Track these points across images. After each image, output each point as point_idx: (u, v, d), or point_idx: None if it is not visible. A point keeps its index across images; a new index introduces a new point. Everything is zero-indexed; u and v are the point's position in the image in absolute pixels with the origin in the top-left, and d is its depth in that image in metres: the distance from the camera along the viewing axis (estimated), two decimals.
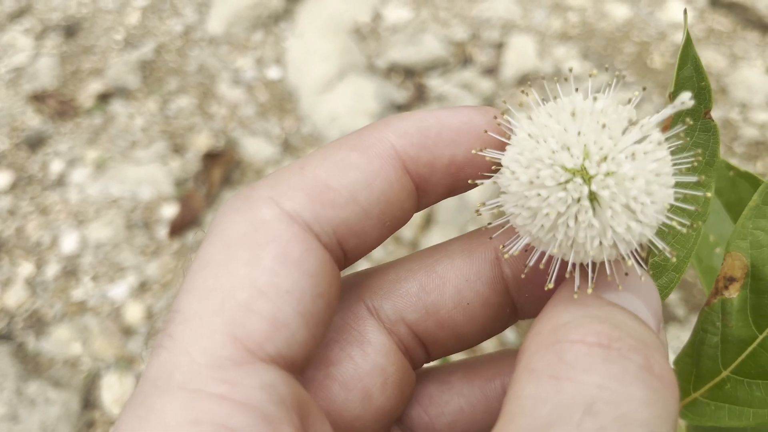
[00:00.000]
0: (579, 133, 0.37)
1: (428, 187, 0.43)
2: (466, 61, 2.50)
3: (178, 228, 1.99)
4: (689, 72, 0.44)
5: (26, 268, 1.93)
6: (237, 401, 0.32)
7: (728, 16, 2.62)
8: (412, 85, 2.41)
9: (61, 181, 2.13)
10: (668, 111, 0.38)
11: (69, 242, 1.97)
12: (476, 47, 2.54)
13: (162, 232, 2.00)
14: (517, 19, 2.62)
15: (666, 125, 0.43)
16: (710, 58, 2.47)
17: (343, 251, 0.40)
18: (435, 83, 2.40)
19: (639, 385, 0.32)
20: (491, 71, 2.45)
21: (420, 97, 2.36)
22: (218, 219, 0.38)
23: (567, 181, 0.37)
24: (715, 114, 2.28)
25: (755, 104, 2.31)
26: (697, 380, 0.48)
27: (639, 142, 0.37)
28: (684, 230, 0.38)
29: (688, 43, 0.44)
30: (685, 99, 0.37)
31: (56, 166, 2.16)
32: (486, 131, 0.42)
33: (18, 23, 2.60)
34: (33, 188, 2.11)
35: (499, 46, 2.53)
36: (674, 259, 0.46)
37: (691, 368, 0.48)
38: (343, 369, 0.42)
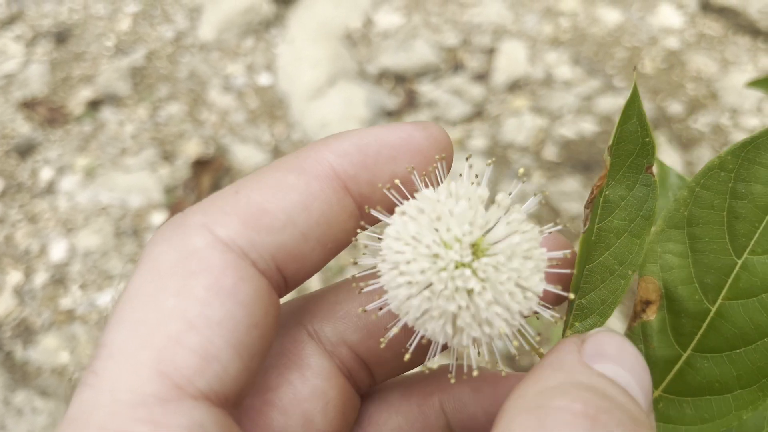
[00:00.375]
0: (448, 230, 0.38)
1: (371, 206, 0.42)
2: (457, 66, 2.50)
3: None
4: (634, 127, 0.45)
5: (14, 277, 1.92)
6: None
7: (719, 21, 2.63)
8: (402, 91, 2.41)
9: (50, 189, 2.12)
10: (531, 203, 0.40)
11: (58, 250, 1.97)
12: (467, 53, 2.54)
13: None
14: (508, 24, 2.62)
15: (603, 176, 0.45)
16: (701, 63, 2.47)
17: (283, 277, 0.39)
18: (426, 89, 2.40)
19: None
20: (482, 77, 2.45)
21: (411, 103, 2.36)
22: (149, 248, 0.37)
23: (444, 266, 0.38)
24: (706, 119, 2.29)
25: (746, 109, 2.31)
26: None
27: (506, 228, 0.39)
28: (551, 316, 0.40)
29: (634, 96, 0.44)
30: (531, 204, 0.40)
31: (46, 174, 2.15)
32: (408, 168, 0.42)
33: (9, 30, 2.60)
34: (22, 196, 2.11)
35: (490, 52, 2.53)
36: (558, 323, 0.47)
37: None
38: (281, 394, 0.41)
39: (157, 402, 0.32)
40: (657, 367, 0.48)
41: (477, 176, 0.40)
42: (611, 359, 0.37)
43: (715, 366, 0.46)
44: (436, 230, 0.38)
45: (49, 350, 1.77)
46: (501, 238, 0.38)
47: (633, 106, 0.45)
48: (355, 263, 0.42)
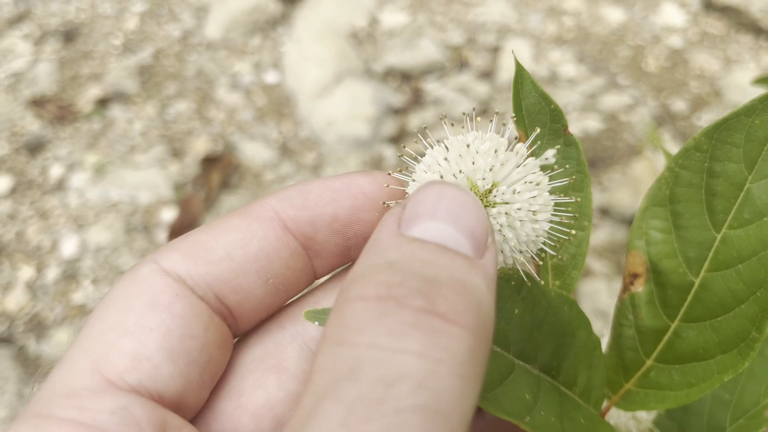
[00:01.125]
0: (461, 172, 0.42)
1: (316, 246, 0.44)
2: (462, 65, 2.52)
3: (177, 231, 2.00)
4: (536, 99, 0.48)
5: (26, 272, 1.94)
6: (83, 423, 0.34)
7: (722, 20, 2.65)
8: (408, 89, 2.43)
9: (60, 186, 2.14)
10: (535, 161, 0.42)
11: (69, 246, 1.99)
12: (472, 51, 2.56)
13: (161, 235, 2.02)
14: (512, 23, 2.64)
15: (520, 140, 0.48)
16: (704, 61, 2.49)
17: (227, 308, 0.42)
18: (432, 87, 2.42)
19: (413, 333, 0.29)
20: (487, 75, 2.47)
21: (417, 101, 2.38)
22: (110, 288, 0.42)
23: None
24: (709, 117, 2.31)
25: None
26: (625, 371, 0.52)
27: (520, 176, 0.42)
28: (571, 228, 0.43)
29: (519, 73, 0.48)
30: (549, 156, 0.42)
31: (56, 171, 2.17)
32: (387, 185, 0.44)
33: (17, 29, 2.62)
34: (33, 193, 2.13)
35: (495, 50, 2.55)
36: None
37: (617, 360, 0.52)
38: (254, 399, 0.43)
39: (87, 393, 0.36)
40: (647, 338, 0.51)
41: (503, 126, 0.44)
42: (426, 216, 0.34)
43: (699, 334, 0.49)
44: (461, 170, 0.41)
45: (61, 344, 1.79)
46: (517, 179, 0.41)
47: (522, 80, 0.48)
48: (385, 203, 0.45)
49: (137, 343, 0.38)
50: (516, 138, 0.43)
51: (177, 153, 2.22)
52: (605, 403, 0.52)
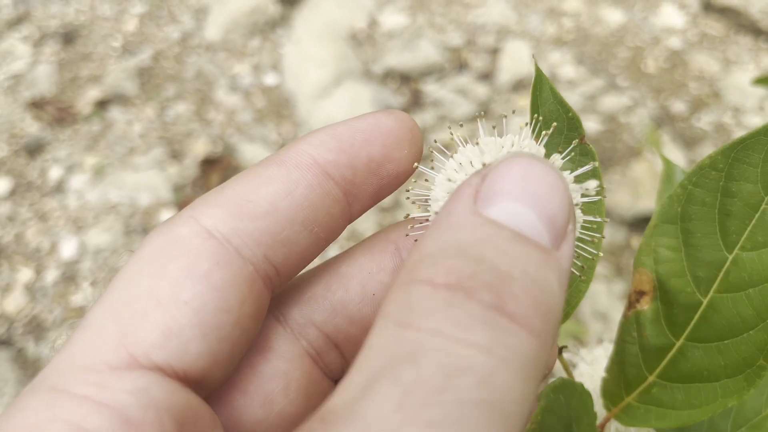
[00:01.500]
0: None
1: (355, 190, 0.43)
2: (461, 66, 2.52)
3: None
4: (554, 107, 0.47)
5: (25, 274, 1.94)
6: (98, 402, 0.32)
7: (721, 21, 2.65)
8: (408, 90, 2.43)
9: (59, 188, 2.14)
10: (576, 187, 0.41)
11: (68, 248, 1.99)
12: (472, 53, 2.56)
13: None
14: (512, 24, 2.64)
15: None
16: (703, 62, 2.49)
17: (273, 266, 0.40)
18: (431, 89, 2.42)
19: (480, 328, 0.29)
20: (486, 77, 2.47)
21: (416, 103, 2.38)
22: (144, 240, 0.39)
23: None
24: (709, 118, 2.31)
25: (748, 108, 2.34)
26: (627, 385, 0.51)
27: None
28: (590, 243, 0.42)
29: (539, 78, 0.47)
30: (591, 186, 0.40)
31: (55, 173, 2.17)
32: (415, 165, 0.44)
33: (16, 30, 2.62)
34: (32, 194, 2.13)
35: (495, 52, 2.55)
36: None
37: (619, 375, 0.51)
38: (243, 376, 0.42)
39: (107, 369, 0.34)
40: (651, 355, 0.50)
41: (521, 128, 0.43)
42: (507, 195, 0.32)
43: (705, 355, 0.48)
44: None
45: (60, 346, 1.79)
46: None
47: (542, 86, 0.47)
48: (408, 215, 0.45)
49: (168, 317, 0.35)
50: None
51: (176, 155, 2.22)
52: (604, 415, 0.52)
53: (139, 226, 2.04)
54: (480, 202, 0.33)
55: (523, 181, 0.33)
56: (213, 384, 0.38)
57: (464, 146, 0.42)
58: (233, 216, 0.39)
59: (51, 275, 1.93)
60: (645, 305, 0.50)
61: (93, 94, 2.38)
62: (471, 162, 0.41)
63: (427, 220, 0.43)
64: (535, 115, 0.46)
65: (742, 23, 2.62)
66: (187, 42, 2.60)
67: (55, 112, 2.33)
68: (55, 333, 1.81)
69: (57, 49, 2.56)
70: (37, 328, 1.83)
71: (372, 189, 0.44)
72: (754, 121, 2.29)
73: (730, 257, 0.47)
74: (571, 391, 0.44)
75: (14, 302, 1.88)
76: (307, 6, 2.68)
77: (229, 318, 0.37)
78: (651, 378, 0.50)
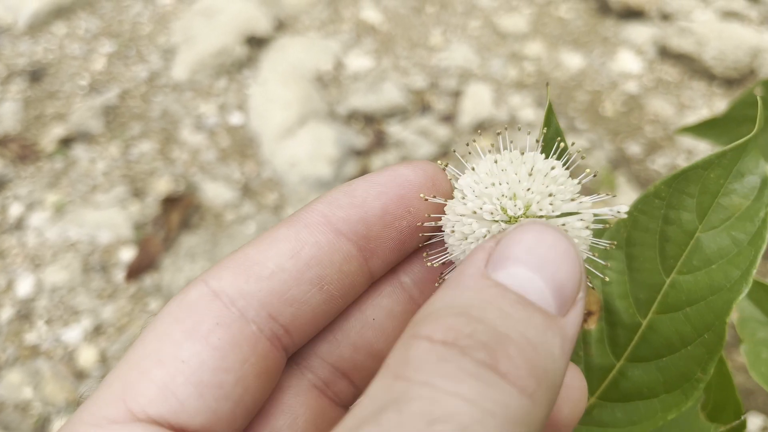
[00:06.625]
0: (528, 190, 0.41)
1: (371, 245, 0.43)
2: (424, 108, 2.57)
3: (135, 271, 2.00)
4: (552, 134, 0.50)
5: None
6: None
7: (676, 67, 2.74)
8: (371, 131, 2.47)
9: (19, 225, 2.13)
10: (606, 210, 0.43)
11: (24, 286, 1.97)
12: (434, 95, 2.61)
13: (119, 275, 2.01)
14: (474, 68, 2.71)
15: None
16: (658, 106, 2.57)
17: (281, 325, 0.41)
18: (394, 130, 2.46)
19: (468, 382, 0.29)
20: (449, 119, 2.52)
21: (379, 143, 2.42)
22: (162, 307, 0.41)
23: (499, 221, 0.41)
24: (663, 160, 2.37)
25: (701, 151, 2.40)
26: None
27: (572, 215, 0.42)
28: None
29: (550, 109, 0.50)
30: (622, 209, 0.42)
31: (15, 210, 2.17)
32: (423, 196, 0.44)
33: None
34: None
35: (457, 95, 2.60)
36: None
37: None
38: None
39: (107, 422, 0.36)
40: (594, 376, 0.52)
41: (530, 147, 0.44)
42: (517, 260, 0.33)
43: (644, 374, 0.50)
44: (501, 193, 0.41)
45: (12, 385, 1.76)
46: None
47: (551, 120, 0.50)
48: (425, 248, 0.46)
49: (166, 375, 0.37)
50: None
51: (138, 193, 2.23)
52: None
53: (98, 264, 2.03)
54: (491, 265, 0.34)
55: (535, 248, 0.34)
56: None
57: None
58: (239, 278, 0.40)
59: (5, 313, 1.92)
60: (592, 325, 0.53)
61: (57, 131, 2.39)
62: (498, 179, 0.42)
63: (443, 243, 0.43)
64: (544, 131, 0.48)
65: (696, 69, 2.71)
66: (154, 81, 2.62)
67: (19, 149, 2.33)
68: (8, 371, 1.79)
69: (24, 87, 2.58)
70: None
71: (392, 243, 0.44)
72: None
73: (668, 280, 0.50)
74: None
75: None
76: (273, 48, 2.73)
77: (229, 377, 0.38)
78: (592, 400, 0.52)
